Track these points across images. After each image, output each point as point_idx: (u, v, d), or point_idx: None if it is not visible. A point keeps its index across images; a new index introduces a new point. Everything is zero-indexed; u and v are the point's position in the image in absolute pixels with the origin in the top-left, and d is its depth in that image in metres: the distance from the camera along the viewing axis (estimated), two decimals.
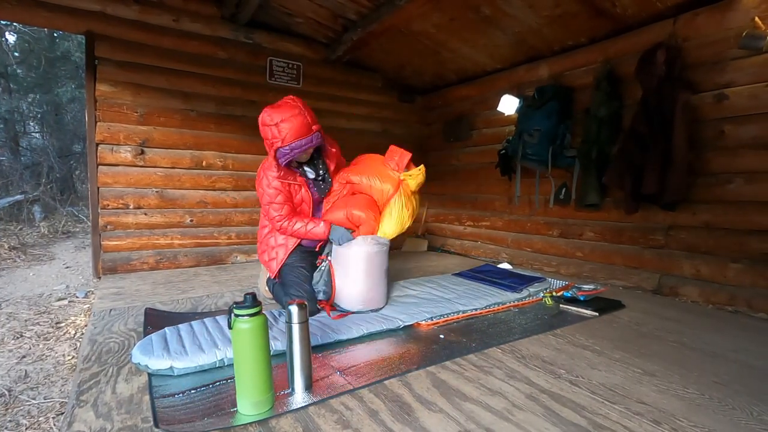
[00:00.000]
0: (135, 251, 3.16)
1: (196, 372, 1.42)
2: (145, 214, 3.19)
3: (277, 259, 2.16)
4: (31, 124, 9.69)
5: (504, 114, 3.50)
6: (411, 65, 3.99)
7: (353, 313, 2.00)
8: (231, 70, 3.45)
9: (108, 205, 3.06)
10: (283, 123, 1.85)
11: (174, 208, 3.31)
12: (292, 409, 1.20)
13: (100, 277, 3.04)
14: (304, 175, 2.13)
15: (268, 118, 1.88)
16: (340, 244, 2.04)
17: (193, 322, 1.74)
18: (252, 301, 1.17)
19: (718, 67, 2.32)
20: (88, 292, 3.19)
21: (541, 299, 2.39)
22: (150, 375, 1.39)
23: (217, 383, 1.35)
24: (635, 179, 2.49)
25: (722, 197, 2.33)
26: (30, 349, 2.22)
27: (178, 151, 3.29)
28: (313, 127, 1.92)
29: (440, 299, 2.24)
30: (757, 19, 2.12)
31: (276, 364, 1.39)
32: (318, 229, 2.08)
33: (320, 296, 2.04)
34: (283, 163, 1.97)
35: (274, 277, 2.19)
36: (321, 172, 2.16)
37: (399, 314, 1.99)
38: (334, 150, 2.25)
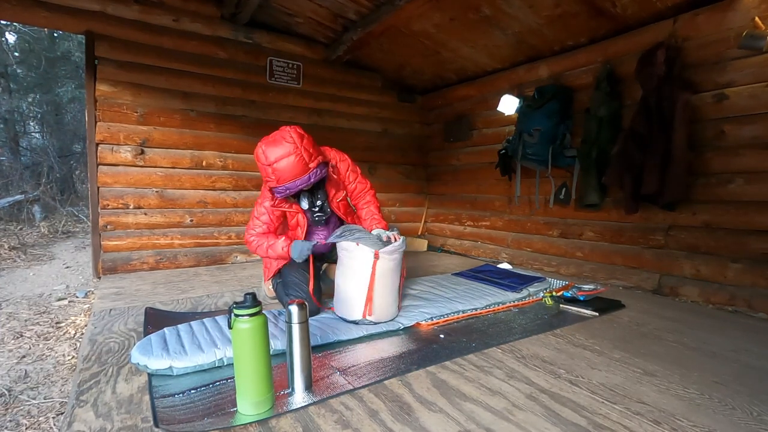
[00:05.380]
0: (135, 251, 3.15)
1: (196, 372, 1.42)
2: (145, 214, 3.19)
3: (270, 269, 2.18)
4: (31, 124, 9.69)
5: (504, 114, 3.50)
6: (411, 65, 3.99)
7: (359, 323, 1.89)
8: (231, 70, 3.45)
9: (108, 205, 3.06)
10: (276, 164, 1.74)
11: (174, 208, 3.31)
12: (292, 409, 1.20)
13: (100, 277, 3.04)
14: (298, 203, 2.05)
15: (262, 156, 1.78)
16: (299, 261, 1.95)
17: (192, 322, 1.74)
18: (252, 301, 1.17)
19: (718, 67, 2.32)
20: (88, 292, 3.19)
21: (541, 299, 2.39)
22: (150, 375, 1.39)
23: (217, 383, 1.35)
24: (635, 179, 2.49)
25: (722, 197, 2.33)
26: (30, 349, 2.21)
27: (178, 151, 3.29)
28: (311, 165, 1.78)
29: (440, 299, 2.24)
30: (757, 19, 2.12)
31: (276, 364, 1.39)
32: (276, 245, 1.99)
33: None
34: (280, 197, 1.91)
35: (266, 280, 2.22)
36: (318, 202, 2.05)
37: (399, 314, 1.99)
38: (335, 176, 2.09)
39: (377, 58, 3.96)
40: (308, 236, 2.16)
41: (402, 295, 2.19)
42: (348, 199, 2.25)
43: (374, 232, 2.03)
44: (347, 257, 1.88)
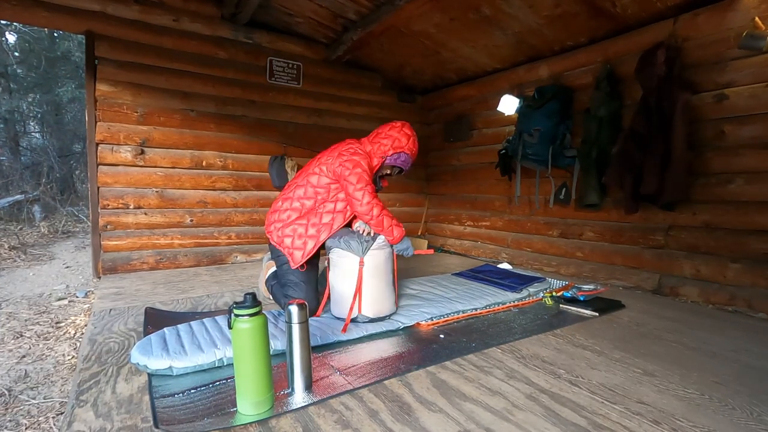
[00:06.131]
0: (135, 251, 3.16)
1: (195, 372, 1.42)
2: (145, 214, 3.20)
3: (304, 251, 2.02)
4: (31, 124, 9.69)
5: (504, 114, 3.50)
6: (411, 65, 3.99)
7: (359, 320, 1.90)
8: (231, 70, 3.45)
9: (108, 205, 3.06)
10: (414, 145, 2.20)
11: (174, 208, 3.31)
12: (292, 409, 1.20)
13: (100, 277, 3.04)
14: (375, 182, 2.23)
15: (410, 132, 2.19)
16: (398, 253, 2.05)
17: (192, 322, 1.74)
18: (252, 301, 1.17)
19: (718, 67, 2.32)
20: (88, 291, 3.19)
21: (541, 299, 2.39)
22: (150, 375, 1.39)
23: (217, 383, 1.35)
24: (635, 179, 2.49)
25: (722, 197, 2.33)
26: (30, 348, 2.21)
27: (178, 151, 3.29)
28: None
29: (440, 299, 2.24)
30: (757, 19, 2.12)
31: (276, 364, 1.39)
32: (396, 230, 2.00)
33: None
34: (389, 163, 2.18)
35: (297, 267, 2.05)
36: (378, 186, 2.31)
37: (399, 314, 1.99)
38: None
39: (377, 58, 3.96)
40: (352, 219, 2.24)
41: (398, 293, 2.21)
42: None
43: (356, 225, 2.10)
44: (337, 257, 1.93)
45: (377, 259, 1.90)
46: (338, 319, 1.92)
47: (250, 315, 1.16)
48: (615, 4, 2.51)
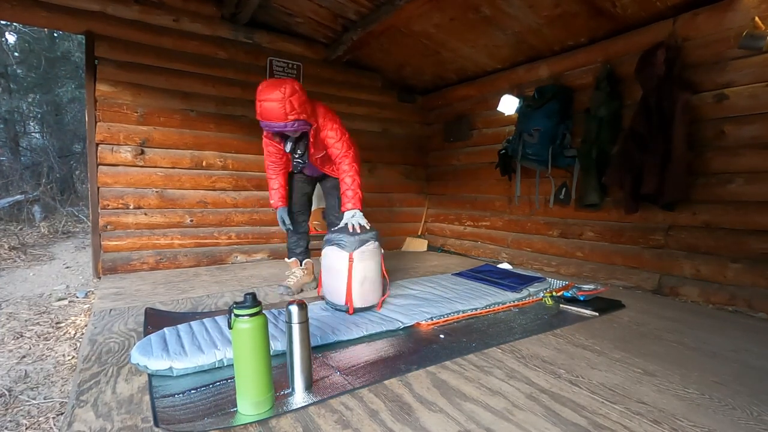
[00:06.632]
0: (135, 251, 3.16)
1: (196, 372, 1.42)
2: (145, 214, 3.20)
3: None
4: (31, 124, 9.70)
5: (504, 114, 3.50)
6: (411, 65, 3.99)
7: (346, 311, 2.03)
8: (231, 70, 3.45)
9: (108, 205, 3.06)
10: (262, 102, 1.97)
11: (174, 208, 3.31)
12: (292, 409, 1.20)
13: (100, 277, 3.04)
14: (284, 144, 2.28)
15: (258, 91, 2.01)
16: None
17: (192, 323, 1.74)
18: (252, 301, 1.17)
19: (718, 67, 2.32)
20: (88, 292, 3.19)
21: (541, 299, 2.39)
22: (150, 375, 1.39)
23: (217, 383, 1.35)
24: (635, 179, 2.49)
25: (722, 197, 2.33)
26: (30, 349, 2.21)
27: (178, 151, 3.29)
28: (289, 117, 1.98)
29: (440, 299, 2.24)
30: (757, 19, 2.11)
31: (276, 364, 1.39)
32: (271, 200, 2.52)
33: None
34: (264, 129, 2.15)
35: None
36: (299, 151, 2.30)
37: (399, 314, 1.99)
38: (322, 135, 2.24)
39: (377, 58, 3.96)
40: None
41: (397, 293, 2.33)
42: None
43: (344, 219, 2.21)
44: (326, 254, 2.11)
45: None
46: (337, 308, 2.04)
47: (250, 315, 1.16)
48: (615, 4, 2.51)
